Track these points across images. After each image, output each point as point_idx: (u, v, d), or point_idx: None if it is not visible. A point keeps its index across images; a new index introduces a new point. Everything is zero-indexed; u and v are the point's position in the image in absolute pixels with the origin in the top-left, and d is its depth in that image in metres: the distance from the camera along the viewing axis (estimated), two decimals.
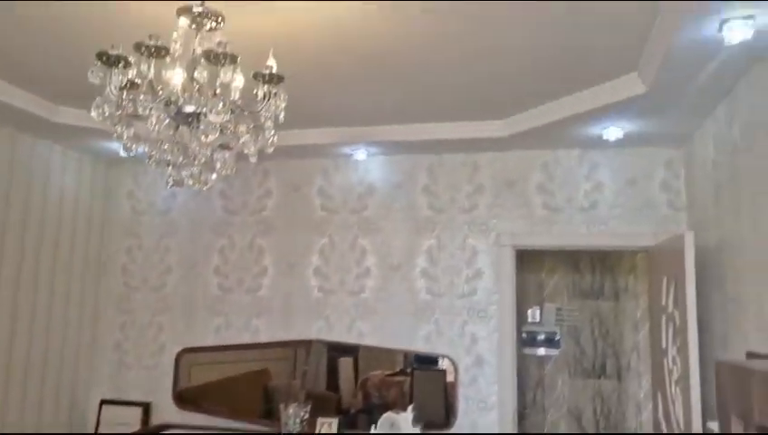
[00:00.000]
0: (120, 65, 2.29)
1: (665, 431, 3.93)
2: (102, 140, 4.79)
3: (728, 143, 3.51)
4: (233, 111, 2.46)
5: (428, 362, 4.93)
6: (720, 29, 2.65)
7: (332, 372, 5.28)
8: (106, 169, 5.57)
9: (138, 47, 2.26)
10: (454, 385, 4.70)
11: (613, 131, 4.19)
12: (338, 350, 5.13)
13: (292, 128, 4.54)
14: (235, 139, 2.55)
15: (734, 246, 3.41)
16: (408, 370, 5.10)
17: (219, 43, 2.24)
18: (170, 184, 2.58)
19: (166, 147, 2.53)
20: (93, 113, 2.30)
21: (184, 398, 5.20)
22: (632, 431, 5.82)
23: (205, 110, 2.29)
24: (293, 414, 4.43)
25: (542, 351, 6.07)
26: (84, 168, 5.33)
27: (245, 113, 2.51)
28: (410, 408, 4.39)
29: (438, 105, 4.15)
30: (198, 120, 2.38)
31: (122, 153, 2.94)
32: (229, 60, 2.22)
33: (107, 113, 2.29)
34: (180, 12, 2.46)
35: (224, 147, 2.58)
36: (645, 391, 5.75)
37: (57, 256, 5.04)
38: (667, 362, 3.88)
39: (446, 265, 4.83)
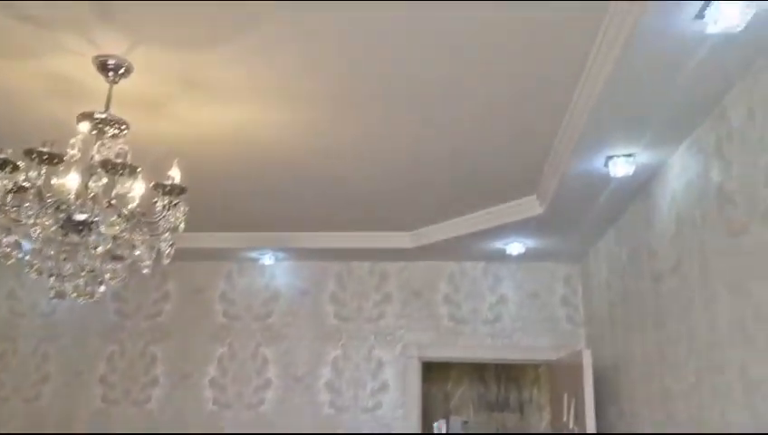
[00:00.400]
0: (7, 169, 2.14)
1: None
2: None
3: (618, 265, 3.72)
4: (128, 220, 2.34)
5: None
6: (606, 164, 2.87)
7: None
8: None
9: (29, 153, 2.14)
10: None
11: (515, 247, 4.36)
12: None
13: (197, 230, 4.40)
14: (128, 248, 2.41)
15: (627, 363, 3.53)
16: None
17: (118, 154, 2.16)
18: (52, 296, 2.38)
19: (51, 254, 2.35)
20: None
21: None
22: None
23: (97, 219, 2.16)
24: None
25: None
26: None
27: (142, 222, 2.39)
28: None
29: (347, 215, 4.18)
30: (90, 230, 2.24)
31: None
32: (128, 171, 2.13)
33: None
34: (81, 118, 2.37)
35: (115, 257, 2.43)
36: None
37: None
38: None
39: (351, 376, 4.69)
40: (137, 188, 2.35)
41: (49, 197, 2.17)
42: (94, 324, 4.97)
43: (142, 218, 2.39)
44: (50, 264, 2.36)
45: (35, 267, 2.35)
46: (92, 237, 2.20)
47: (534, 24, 2.12)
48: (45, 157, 2.13)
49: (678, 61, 2.07)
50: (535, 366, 6.07)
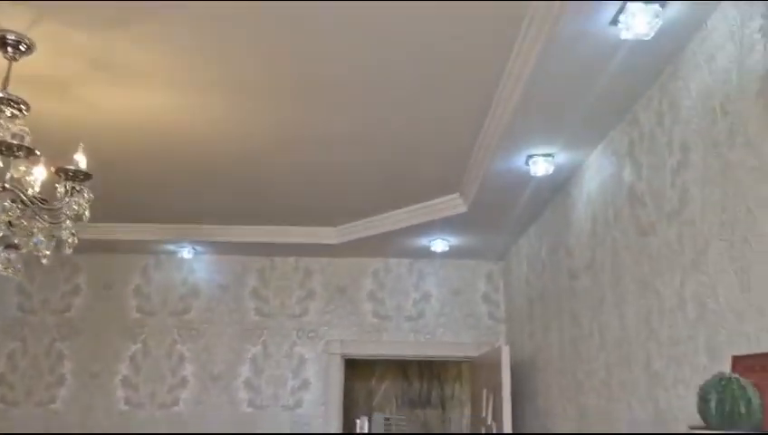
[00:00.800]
0: None
1: None
2: None
3: (538, 262, 3.81)
4: (26, 206, 2.17)
5: None
6: (527, 163, 2.93)
7: None
8: None
9: None
10: None
11: (440, 244, 4.39)
12: None
13: (110, 221, 4.19)
14: (25, 236, 2.24)
15: (544, 360, 3.62)
16: None
17: (15, 135, 2.00)
18: None
19: None
20: None
21: None
22: None
23: None
24: None
25: None
26: None
27: (42, 209, 2.23)
28: None
29: (271, 209, 4.08)
30: None
31: None
32: (25, 153, 1.98)
33: None
34: None
35: (10, 246, 2.25)
36: None
37: None
38: None
39: (272, 374, 4.59)
40: (37, 173, 2.19)
41: None
42: None
43: (42, 205, 2.23)
44: None
45: None
46: None
47: (455, 23, 2.11)
48: None
49: (595, 64, 2.12)
50: (457, 362, 6.16)
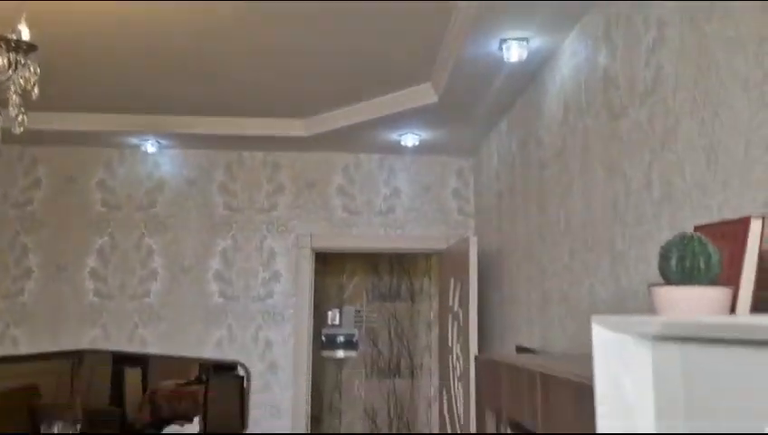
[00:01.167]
0: None
1: (448, 426, 4.12)
2: None
3: (508, 156, 3.79)
4: None
5: (226, 369, 4.66)
6: (500, 47, 2.83)
7: (117, 385, 4.75)
8: None
9: None
10: (247, 393, 4.50)
11: (410, 138, 4.33)
12: (124, 361, 4.63)
13: (67, 110, 4.00)
14: None
15: (510, 250, 3.68)
16: (204, 378, 4.78)
17: None
18: None
19: None
20: None
21: None
22: (423, 428, 6.08)
23: None
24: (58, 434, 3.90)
25: (340, 353, 6.10)
26: None
27: None
28: (196, 420, 4.11)
29: (237, 100, 3.94)
30: None
31: None
32: None
33: None
34: None
35: None
36: (435, 388, 6.04)
37: None
38: (452, 360, 4.08)
39: (242, 267, 4.62)
40: None
41: None
42: None
43: None
44: None
45: None
46: None
47: None
48: None
49: None
50: (427, 257, 6.27)
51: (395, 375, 6.16)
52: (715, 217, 1.60)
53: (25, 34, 2.07)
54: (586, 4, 2.46)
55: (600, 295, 2.36)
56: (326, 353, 6.07)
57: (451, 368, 4.10)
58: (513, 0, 2.43)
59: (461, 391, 3.79)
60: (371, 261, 6.29)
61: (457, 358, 3.94)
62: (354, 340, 6.13)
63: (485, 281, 3.96)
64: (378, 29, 2.97)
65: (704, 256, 1.07)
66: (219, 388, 4.79)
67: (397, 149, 4.58)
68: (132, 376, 4.80)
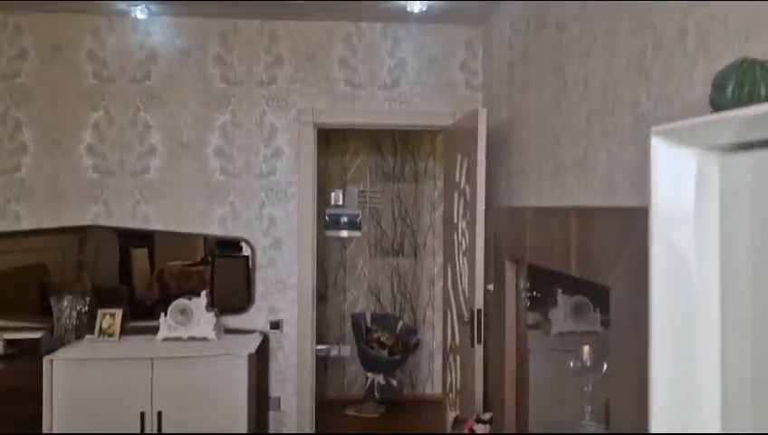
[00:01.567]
0: None
1: (452, 300, 4.18)
2: None
3: (522, 21, 3.54)
4: None
5: (231, 248, 4.67)
6: None
7: (125, 263, 4.80)
8: None
9: None
10: (253, 268, 4.53)
11: (417, 3, 4.04)
12: (130, 239, 4.63)
13: None
14: None
15: (521, 121, 3.54)
16: (210, 258, 4.82)
17: None
18: None
19: None
20: None
21: None
22: (426, 304, 6.22)
23: None
24: (68, 307, 3.96)
25: (344, 233, 6.11)
26: None
27: None
28: (203, 293, 4.16)
29: None
30: None
31: None
32: None
33: None
34: None
35: None
36: (438, 265, 6.12)
37: None
38: (458, 236, 4.06)
39: (242, 143, 4.48)
40: None
41: None
42: None
43: None
44: None
45: None
46: None
47: None
48: None
49: None
50: (431, 138, 6.12)
51: (398, 254, 6.21)
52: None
53: None
54: None
55: (618, 162, 2.25)
56: (330, 233, 6.09)
57: (456, 244, 4.09)
58: None
59: (466, 266, 3.80)
60: (375, 141, 6.14)
61: (463, 234, 3.92)
62: (358, 220, 6.11)
63: (494, 155, 3.85)
64: None
65: (765, 82, 0.94)
66: (225, 267, 4.84)
67: (401, 15, 4.30)
68: (139, 257, 4.84)
